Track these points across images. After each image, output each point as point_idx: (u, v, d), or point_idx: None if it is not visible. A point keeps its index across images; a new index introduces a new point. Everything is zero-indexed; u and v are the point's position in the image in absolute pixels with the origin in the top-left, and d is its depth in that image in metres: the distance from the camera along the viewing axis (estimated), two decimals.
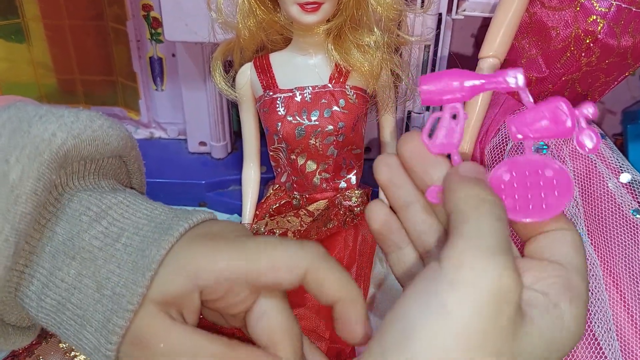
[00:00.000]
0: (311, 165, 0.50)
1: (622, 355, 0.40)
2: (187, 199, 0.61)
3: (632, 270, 0.43)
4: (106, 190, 0.28)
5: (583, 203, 0.46)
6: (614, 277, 0.43)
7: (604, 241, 0.45)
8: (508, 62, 0.48)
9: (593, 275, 0.42)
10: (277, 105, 0.48)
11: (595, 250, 0.44)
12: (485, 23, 0.55)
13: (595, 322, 0.40)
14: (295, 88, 0.48)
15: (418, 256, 0.29)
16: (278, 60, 0.49)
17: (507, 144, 0.47)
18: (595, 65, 0.44)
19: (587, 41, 0.43)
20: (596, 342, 0.40)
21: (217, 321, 0.29)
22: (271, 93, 0.48)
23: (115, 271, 0.25)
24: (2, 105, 0.27)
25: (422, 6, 0.50)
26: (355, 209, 0.51)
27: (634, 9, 0.42)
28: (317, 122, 0.47)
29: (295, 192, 0.52)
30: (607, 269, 0.44)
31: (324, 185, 0.51)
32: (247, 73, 0.50)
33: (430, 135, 0.26)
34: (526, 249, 0.26)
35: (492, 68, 0.46)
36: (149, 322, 0.24)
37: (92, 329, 0.25)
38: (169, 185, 0.61)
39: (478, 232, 0.22)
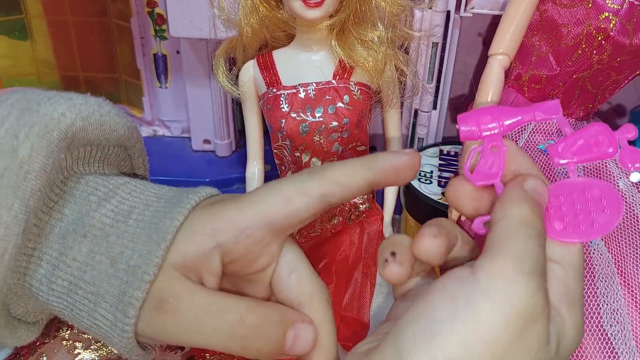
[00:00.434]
0: (316, 162, 0.49)
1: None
2: None
3: None
4: (111, 174, 0.28)
5: None
6: (624, 277, 0.43)
7: (614, 240, 0.44)
8: (518, 60, 0.47)
9: (606, 275, 0.41)
10: (281, 102, 0.47)
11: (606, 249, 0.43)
12: (494, 21, 0.54)
13: (607, 322, 0.40)
14: (299, 85, 0.47)
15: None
16: (281, 57, 0.49)
17: (517, 143, 0.46)
18: (607, 63, 0.44)
19: (599, 38, 0.42)
20: (609, 343, 0.39)
21: (239, 293, 0.28)
22: (275, 90, 0.48)
23: (129, 245, 0.24)
24: (8, 89, 0.27)
25: (429, 1, 0.49)
26: (361, 206, 0.50)
27: None
28: (321, 119, 0.47)
29: None
30: (618, 269, 0.43)
31: None
32: (250, 70, 0.49)
33: (472, 170, 0.26)
34: None
35: (502, 65, 0.45)
36: (171, 285, 0.24)
37: (107, 305, 0.24)
38: (173, 184, 0.59)
39: (520, 252, 0.22)
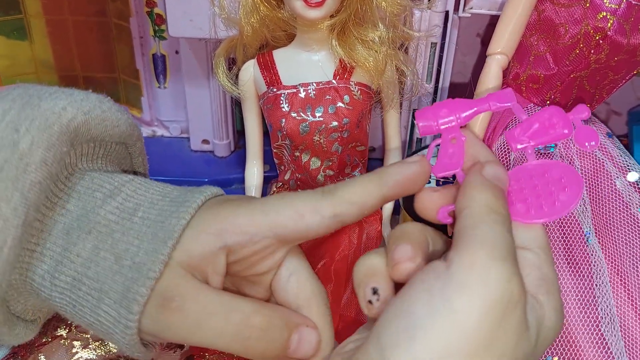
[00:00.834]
0: (315, 162, 0.49)
1: (629, 352, 0.40)
2: None
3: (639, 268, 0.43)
4: (115, 172, 0.28)
5: (591, 202, 0.46)
6: (621, 275, 0.43)
7: (612, 239, 0.44)
8: (516, 59, 0.47)
9: (600, 273, 0.42)
10: (281, 102, 0.48)
11: (602, 248, 0.44)
12: (492, 21, 0.54)
13: (602, 319, 0.40)
14: (299, 84, 0.48)
15: None
16: (282, 56, 0.49)
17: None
18: (604, 62, 0.44)
19: (597, 38, 0.43)
20: (603, 339, 0.39)
21: (239, 293, 0.29)
22: (275, 89, 0.48)
23: (134, 242, 0.25)
24: (10, 85, 0.28)
25: (428, 2, 0.49)
26: None
27: None
28: (321, 118, 0.47)
29: (299, 190, 0.52)
30: (614, 267, 0.43)
31: (329, 182, 0.51)
32: (250, 70, 0.50)
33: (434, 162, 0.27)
34: None
35: (500, 65, 0.45)
36: (177, 283, 0.24)
37: (110, 301, 0.24)
38: (172, 184, 0.60)
39: (490, 238, 0.22)
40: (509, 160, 0.46)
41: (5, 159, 0.24)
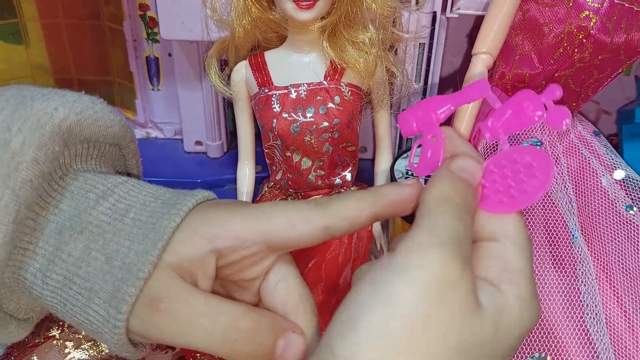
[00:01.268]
0: (307, 162, 0.50)
1: (615, 350, 0.40)
2: None
3: (625, 266, 0.43)
4: (109, 173, 0.29)
5: (577, 200, 0.46)
6: (607, 273, 0.44)
7: (598, 237, 0.45)
8: (501, 59, 0.48)
9: (585, 271, 0.42)
10: (273, 102, 0.48)
11: (588, 246, 0.44)
12: (480, 22, 0.55)
13: (588, 317, 0.40)
14: (291, 85, 0.48)
15: None
16: (273, 57, 0.49)
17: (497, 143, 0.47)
18: (588, 61, 0.45)
19: (580, 37, 0.43)
20: (588, 336, 0.40)
21: (228, 296, 0.29)
22: (266, 90, 0.49)
23: (125, 243, 0.25)
24: (4, 87, 0.28)
25: (416, 3, 0.50)
26: None
27: (626, 5, 0.43)
28: (312, 119, 0.48)
29: (290, 190, 0.52)
30: (600, 265, 0.44)
31: (319, 182, 0.51)
32: (242, 71, 0.50)
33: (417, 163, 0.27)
34: None
35: (486, 64, 0.46)
36: (167, 284, 0.24)
37: (100, 301, 0.25)
38: (165, 185, 0.60)
39: (434, 225, 0.23)
40: None
41: None
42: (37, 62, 0.66)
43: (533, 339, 0.40)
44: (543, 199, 0.45)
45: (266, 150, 0.52)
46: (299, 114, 0.48)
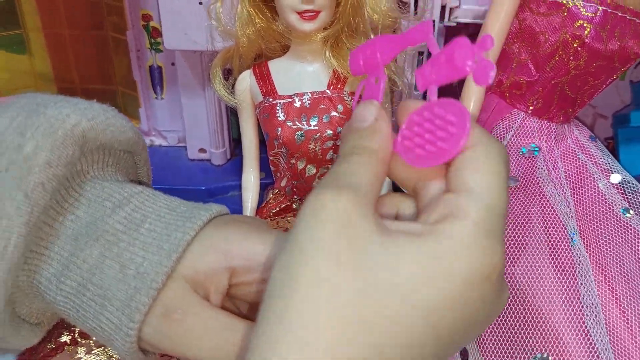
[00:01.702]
0: (311, 170, 0.51)
1: (614, 349, 0.42)
2: None
3: (623, 267, 0.45)
4: (125, 182, 0.29)
5: (575, 203, 0.47)
6: (605, 274, 0.45)
7: (596, 240, 0.46)
8: (499, 67, 0.49)
9: (584, 273, 0.43)
10: (277, 111, 0.49)
11: (587, 248, 0.45)
12: (477, 30, 0.56)
13: (588, 318, 0.42)
14: (294, 94, 0.49)
15: None
16: (277, 67, 0.51)
17: None
18: (584, 68, 0.46)
19: (575, 45, 0.45)
20: (588, 336, 0.41)
21: (236, 311, 0.29)
22: (271, 99, 0.50)
23: (139, 253, 0.25)
24: (17, 94, 0.29)
25: (415, 13, 0.51)
26: None
27: (619, 14, 0.44)
28: (316, 127, 0.49)
29: (295, 196, 0.53)
30: (598, 266, 0.45)
31: None
32: (246, 80, 0.51)
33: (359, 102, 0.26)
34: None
35: None
36: (181, 296, 0.25)
37: (113, 309, 0.25)
38: (170, 192, 0.62)
39: (331, 175, 0.23)
40: None
41: (10, 161, 0.25)
42: (41, 72, 0.67)
43: (535, 340, 0.42)
44: (542, 202, 0.46)
45: (271, 158, 0.53)
46: (303, 122, 0.49)
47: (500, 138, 0.49)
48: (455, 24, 0.53)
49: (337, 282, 0.20)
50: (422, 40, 0.25)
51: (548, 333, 0.42)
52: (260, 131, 0.54)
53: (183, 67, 0.60)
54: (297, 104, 0.49)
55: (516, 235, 0.44)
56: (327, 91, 0.49)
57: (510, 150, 0.49)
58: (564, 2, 0.44)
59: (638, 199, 0.48)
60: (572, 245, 0.44)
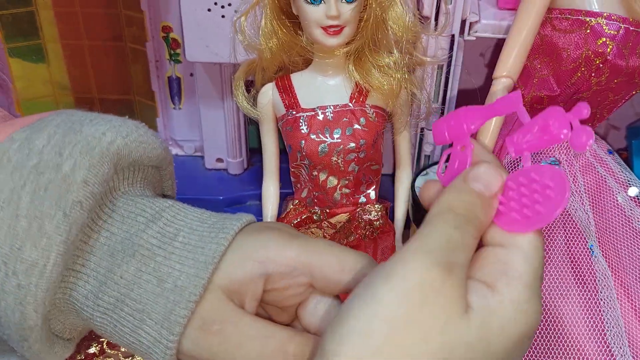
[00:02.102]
0: (332, 181, 0.52)
1: None
2: None
3: None
4: (154, 196, 0.30)
5: (594, 216, 0.48)
6: (625, 287, 0.45)
7: (615, 252, 0.47)
8: (521, 82, 0.50)
9: (605, 285, 0.44)
10: (301, 124, 0.50)
11: (606, 260, 0.46)
12: (496, 44, 0.57)
13: (609, 330, 0.42)
14: (317, 107, 0.50)
15: None
16: (300, 80, 0.51)
17: (520, 160, 0.49)
18: (605, 84, 0.47)
19: (597, 62, 0.45)
20: (610, 350, 0.41)
21: (267, 317, 0.30)
22: (294, 112, 0.50)
23: (176, 266, 0.26)
24: (53, 111, 0.29)
25: (435, 28, 0.52)
26: (375, 222, 0.53)
27: None
28: (339, 140, 0.49)
29: (315, 207, 0.54)
30: (618, 279, 0.46)
31: (344, 200, 0.53)
32: (269, 93, 0.52)
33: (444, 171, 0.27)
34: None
35: (506, 88, 0.48)
36: (218, 307, 0.25)
37: (152, 322, 0.25)
38: (188, 202, 0.62)
39: (427, 234, 0.23)
40: None
41: (49, 180, 0.25)
42: (58, 81, 0.67)
43: (556, 352, 0.42)
44: (562, 216, 0.47)
45: (292, 170, 0.54)
46: (327, 135, 0.49)
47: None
48: (474, 38, 0.54)
49: None
50: (512, 111, 0.25)
51: (569, 344, 0.43)
52: (280, 142, 0.54)
53: (202, 78, 0.61)
54: (320, 117, 0.50)
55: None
56: (350, 104, 0.50)
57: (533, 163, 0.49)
58: (587, 19, 0.45)
59: None
60: (592, 257, 0.45)
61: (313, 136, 0.49)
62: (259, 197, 0.57)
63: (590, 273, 0.45)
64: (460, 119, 0.27)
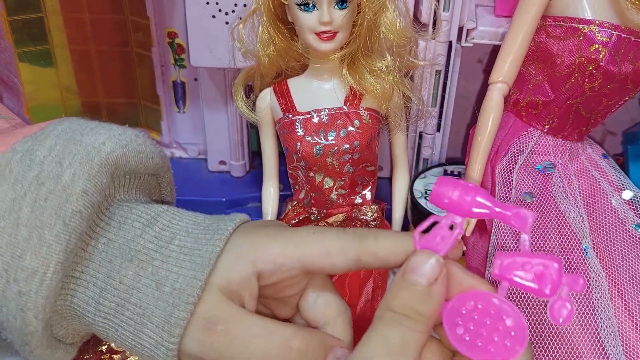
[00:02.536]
0: (328, 182, 0.53)
1: None
2: None
3: (636, 281, 0.46)
4: (149, 202, 0.30)
5: (588, 219, 0.48)
6: (618, 288, 0.46)
7: (609, 254, 0.47)
8: (516, 87, 0.50)
9: (599, 285, 0.44)
10: (296, 127, 0.51)
11: (600, 262, 0.46)
12: (492, 50, 0.58)
13: (602, 330, 0.43)
14: (313, 110, 0.51)
15: None
16: (296, 85, 0.52)
17: (515, 164, 0.50)
18: (598, 90, 0.47)
19: (590, 68, 0.46)
20: (603, 350, 0.42)
21: (269, 313, 0.31)
22: (290, 115, 0.51)
23: (173, 269, 0.26)
24: (55, 120, 0.30)
25: (433, 35, 0.53)
26: (371, 223, 0.54)
27: (633, 39, 0.45)
28: (333, 142, 0.50)
29: (313, 208, 0.55)
30: (612, 281, 0.46)
31: (341, 200, 0.54)
32: (267, 98, 0.53)
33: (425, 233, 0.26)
34: None
35: (502, 93, 0.48)
36: (220, 307, 0.26)
37: (153, 326, 0.26)
38: (191, 203, 0.63)
39: (366, 344, 0.24)
40: (511, 181, 0.49)
41: (50, 190, 0.26)
42: (66, 85, 0.69)
43: (550, 352, 0.43)
44: (557, 217, 0.48)
45: (290, 171, 0.55)
46: (321, 137, 0.50)
47: (517, 155, 0.50)
48: (471, 45, 0.55)
49: None
50: (518, 228, 0.24)
51: (563, 344, 0.43)
52: (279, 145, 0.55)
53: (206, 82, 0.62)
54: (316, 119, 0.51)
55: (532, 250, 0.45)
56: (344, 107, 0.51)
57: (526, 167, 0.50)
58: (580, 27, 0.45)
59: None
60: (586, 259, 0.45)
61: (308, 138, 0.50)
62: (260, 199, 0.58)
63: (584, 274, 0.45)
64: (466, 196, 0.25)
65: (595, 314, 0.43)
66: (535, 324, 0.43)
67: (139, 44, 0.65)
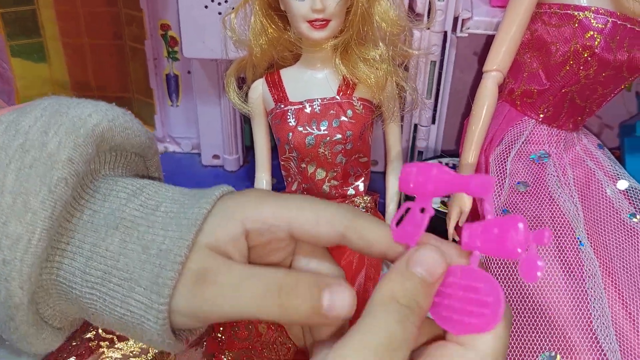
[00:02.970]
0: (320, 173, 0.52)
1: (621, 350, 0.42)
2: None
3: (629, 270, 0.45)
4: (136, 177, 0.30)
5: (583, 208, 0.48)
6: (612, 277, 0.45)
7: (603, 244, 0.47)
8: (511, 76, 0.50)
9: (593, 275, 0.44)
10: (288, 117, 0.50)
11: (594, 252, 0.46)
12: (488, 41, 0.57)
13: (595, 318, 0.42)
14: (305, 100, 0.50)
15: None
16: (288, 75, 0.52)
17: (509, 153, 0.49)
18: (593, 78, 0.47)
19: (585, 55, 0.45)
20: (596, 338, 0.41)
21: None
22: (282, 106, 0.51)
23: (159, 233, 0.26)
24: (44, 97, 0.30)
25: (428, 28, 0.52)
26: None
27: (628, 25, 0.45)
28: (326, 132, 0.50)
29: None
30: (606, 270, 0.46)
31: (333, 192, 0.53)
32: (259, 88, 0.52)
33: (398, 223, 0.26)
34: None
35: (496, 81, 0.48)
36: (208, 261, 0.26)
37: (141, 289, 0.26)
38: None
39: (370, 331, 0.23)
40: (505, 170, 0.49)
41: (35, 158, 0.26)
42: (58, 79, 0.69)
43: (543, 339, 0.42)
44: (551, 208, 0.47)
45: (282, 163, 0.54)
46: (314, 127, 0.50)
47: (511, 145, 0.50)
48: (467, 35, 0.54)
49: None
50: (480, 195, 0.24)
51: (556, 332, 0.42)
52: (272, 138, 0.55)
53: (199, 75, 0.62)
54: (308, 109, 0.50)
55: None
56: (337, 97, 0.50)
57: (521, 157, 0.50)
58: (575, 13, 0.45)
59: None
60: (580, 248, 0.45)
61: (300, 128, 0.50)
62: None
63: (578, 264, 0.44)
64: (429, 178, 0.25)
65: (588, 303, 0.43)
66: (526, 311, 0.43)
67: (133, 37, 0.64)
